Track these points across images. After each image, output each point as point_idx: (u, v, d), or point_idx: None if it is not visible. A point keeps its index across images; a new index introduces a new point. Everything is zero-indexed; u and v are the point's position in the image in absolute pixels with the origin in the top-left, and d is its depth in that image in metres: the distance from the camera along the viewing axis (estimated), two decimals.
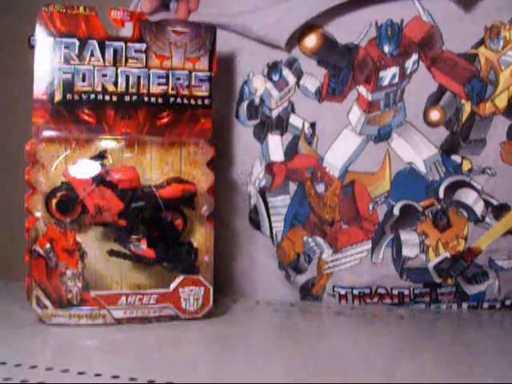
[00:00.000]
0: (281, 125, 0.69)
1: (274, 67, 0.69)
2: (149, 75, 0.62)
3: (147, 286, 0.61)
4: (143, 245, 0.60)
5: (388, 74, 0.66)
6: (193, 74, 0.63)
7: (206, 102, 0.63)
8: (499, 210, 0.66)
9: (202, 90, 0.63)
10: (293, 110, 0.69)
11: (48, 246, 0.58)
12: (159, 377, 0.45)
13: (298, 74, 0.68)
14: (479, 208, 0.66)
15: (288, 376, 0.48)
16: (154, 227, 0.60)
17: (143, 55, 0.61)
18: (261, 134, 0.71)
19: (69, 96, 0.60)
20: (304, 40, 0.68)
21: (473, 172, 0.65)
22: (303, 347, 0.55)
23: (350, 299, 0.69)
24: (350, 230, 0.68)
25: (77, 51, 0.60)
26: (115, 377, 0.45)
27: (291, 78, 0.69)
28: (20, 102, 0.66)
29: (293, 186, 0.70)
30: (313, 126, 0.68)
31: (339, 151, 0.67)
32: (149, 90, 0.62)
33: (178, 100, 0.62)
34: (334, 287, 0.69)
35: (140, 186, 0.60)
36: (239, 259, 0.74)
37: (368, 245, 0.68)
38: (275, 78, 0.69)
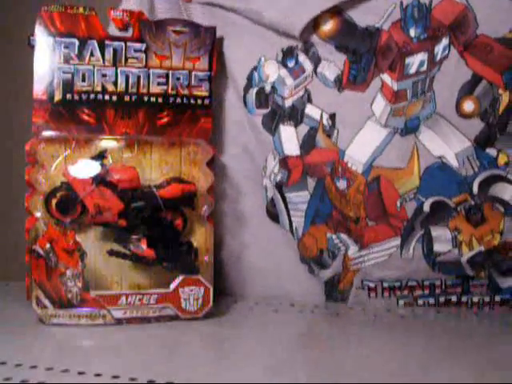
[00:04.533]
0: (295, 115, 0.65)
1: (289, 52, 0.65)
2: (149, 75, 0.62)
3: (147, 286, 0.61)
4: (143, 245, 0.60)
5: (415, 61, 0.62)
6: (193, 73, 0.63)
7: (206, 101, 0.63)
8: None
9: (202, 90, 0.63)
10: (309, 100, 0.65)
11: (48, 245, 0.58)
12: (159, 377, 0.45)
13: (316, 61, 0.64)
14: None
15: (288, 376, 0.48)
16: (154, 227, 0.60)
17: (143, 55, 0.61)
18: (271, 124, 0.66)
19: (69, 96, 0.60)
20: (320, 23, 0.63)
21: (510, 166, 0.62)
22: (303, 347, 0.55)
23: (380, 292, 0.66)
24: (377, 227, 0.65)
25: (76, 51, 0.60)
26: (115, 377, 0.45)
27: (308, 65, 0.65)
28: (20, 102, 0.65)
29: (311, 182, 0.66)
30: (332, 117, 0.64)
31: (362, 145, 0.64)
32: (149, 89, 0.62)
33: (178, 100, 0.62)
34: (362, 281, 0.66)
35: (140, 185, 0.60)
36: (257, 254, 0.71)
37: (397, 241, 0.65)
38: (290, 64, 0.65)
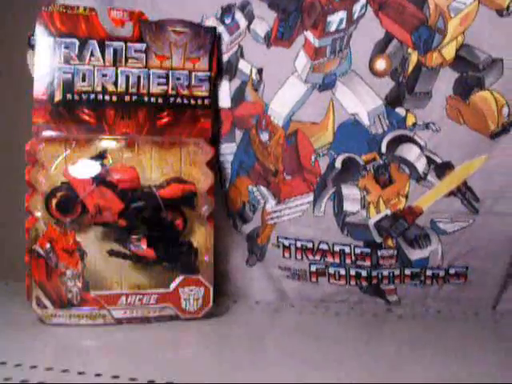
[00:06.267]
0: (230, 70, 0.68)
1: (227, 10, 0.68)
2: (149, 75, 0.62)
3: (147, 286, 0.61)
4: (143, 245, 0.60)
5: (335, 19, 0.64)
6: (193, 73, 0.63)
7: (206, 101, 0.63)
8: (442, 169, 0.63)
9: (202, 90, 0.63)
10: (242, 55, 0.67)
11: (48, 245, 0.58)
12: (159, 377, 0.45)
13: (250, 18, 0.67)
14: (421, 165, 0.63)
15: (288, 376, 0.48)
16: (154, 227, 0.60)
17: (143, 55, 0.62)
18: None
19: (69, 96, 0.60)
20: None
21: (416, 127, 0.63)
22: (303, 347, 0.55)
23: (293, 251, 0.68)
24: (293, 181, 0.67)
25: (77, 51, 0.60)
26: (115, 377, 0.45)
27: (243, 22, 0.67)
28: (20, 102, 0.65)
29: (239, 134, 0.68)
30: (260, 71, 0.67)
31: (284, 99, 0.66)
32: (149, 89, 0.62)
33: (178, 100, 0.62)
34: (278, 238, 0.68)
35: (140, 186, 0.60)
36: None
37: (310, 197, 0.66)
38: (227, 21, 0.67)
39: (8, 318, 0.60)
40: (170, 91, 0.62)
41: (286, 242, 0.68)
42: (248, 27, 0.67)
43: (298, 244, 0.68)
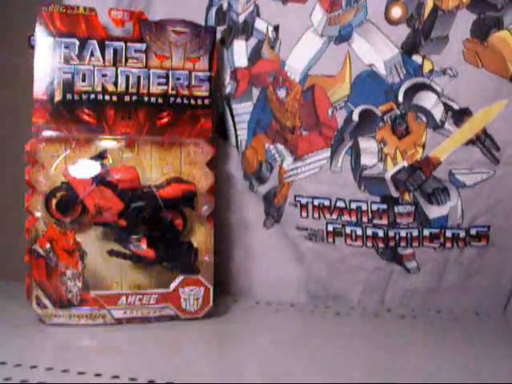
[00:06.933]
0: (246, 30, 0.68)
1: None
2: (149, 75, 0.62)
3: (147, 285, 0.61)
4: (143, 245, 0.60)
5: None
6: (193, 73, 0.63)
7: (206, 101, 0.63)
8: (460, 115, 0.61)
9: (202, 90, 0.63)
10: (258, 14, 0.67)
11: (48, 245, 0.58)
12: (159, 377, 0.45)
13: None
14: (439, 112, 0.62)
15: (288, 375, 0.48)
16: (154, 227, 0.60)
17: (143, 55, 0.62)
18: (227, 40, 0.69)
19: (69, 96, 0.60)
20: None
21: (433, 73, 0.61)
22: (303, 347, 0.55)
23: (311, 210, 0.67)
24: (310, 137, 0.66)
25: (77, 51, 0.60)
26: (115, 377, 0.45)
27: None
28: (20, 102, 0.65)
29: (256, 92, 0.68)
30: (276, 29, 0.66)
31: (300, 54, 0.65)
32: (149, 89, 0.62)
33: (178, 100, 0.62)
34: (295, 197, 0.68)
35: (140, 186, 0.60)
36: None
37: (327, 152, 0.65)
38: None
39: (8, 317, 0.60)
40: (169, 91, 0.62)
41: (304, 201, 0.67)
42: None
43: (316, 202, 0.66)
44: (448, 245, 0.64)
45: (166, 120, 0.62)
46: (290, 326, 0.63)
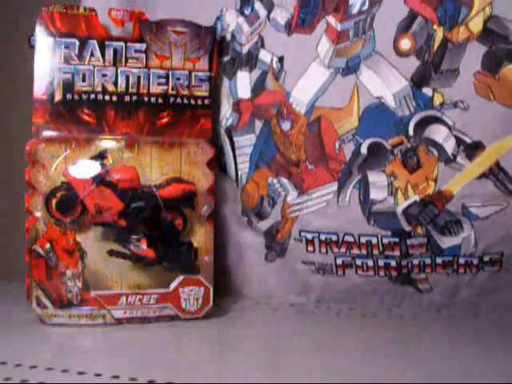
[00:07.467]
0: (250, 61, 0.67)
1: (246, 1, 0.67)
2: (149, 75, 0.62)
3: (147, 285, 0.61)
4: (143, 245, 0.60)
5: (357, 1, 0.62)
6: (193, 73, 0.63)
7: (206, 101, 0.63)
8: (472, 149, 0.61)
9: (202, 90, 0.63)
10: (262, 45, 0.66)
11: (48, 245, 0.58)
12: (159, 377, 0.45)
13: (269, 7, 0.66)
14: (450, 146, 0.61)
15: (288, 375, 0.48)
16: (154, 227, 0.60)
17: (143, 55, 0.62)
18: (230, 70, 0.68)
19: (69, 96, 0.60)
20: None
21: (444, 106, 0.61)
22: (303, 347, 0.55)
23: (317, 245, 0.66)
24: (316, 171, 0.65)
25: (77, 51, 0.60)
26: (115, 377, 0.45)
27: (262, 11, 0.66)
28: (20, 102, 0.65)
29: (259, 124, 0.67)
30: (281, 60, 0.65)
31: (306, 86, 0.64)
32: (149, 90, 0.62)
33: (178, 100, 0.62)
34: (300, 232, 0.66)
35: (140, 186, 0.60)
36: None
37: (334, 186, 0.64)
38: (247, 11, 0.67)
39: (8, 317, 0.60)
40: (169, 91, 0.62)
41: (309, 236, 0.66)
42: (268, 16, 0.66)
43: (322, 237, 0.65)
44: (461, 270, 0.64)
45: (166, 120, 0.62)
46: (290, 327, 0.63)
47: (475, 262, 0.63)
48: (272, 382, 0.46)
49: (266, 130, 0.67)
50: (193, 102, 0.63)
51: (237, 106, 0.68)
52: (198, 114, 0.63)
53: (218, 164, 0.69)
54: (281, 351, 0.54)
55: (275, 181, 0.67)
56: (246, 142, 0.68)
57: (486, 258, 0.63)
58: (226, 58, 0.68)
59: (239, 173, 0.69)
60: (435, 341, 0.57)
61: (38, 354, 0.51)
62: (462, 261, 0.63)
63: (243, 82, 0.67)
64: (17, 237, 0.62)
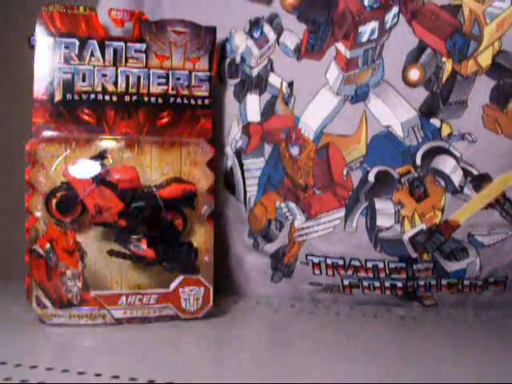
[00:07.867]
0: (260, 84, 0.67)
1: (255, 23, 0.67)
2: (149, 75, 0.62)
3: (147, 285, 0.61)
4: (143, 245, 0.60)
5: (367, 29, 0.62)
6: (193, 73, 0.63)
7: (206, 101, 0.63)
8: (479, 181, 0.61)
9: (202, 90, 0.63)
10: (272, 69, 0.66)
11: (48, 245, 0.58)
12: (159, 377, 0.45)
13: (279, 31, 0.66)
14: (457, 177, 0.62)
15: (288, 375, 0.48)
16: (154, 227, 0.60)
17: (143, 55, 0.62)
18: (240, 93, 0.68)
19: (69, 96, 0.60)
20: None
21: (452, 137, 0.61)
22: (303, 347, 0.55)
23: (324, 268, 0.66)
24: (324, 196, 0.65)
25: (77, 51, 0.60)
26: (115, 377, 0.45)
27: (272, 35, 0.66)
28: (20, 102, 0.65)
29: (268, 149, 0.67)
30: (290, 85, 0.66)
31: (315, 112, 0.65)
32: (149, 89, 0.62)
33: (178, 100, 0.62)
34: (306, 256, 0.67)
35: (140, 186, 0.60)
36: None
37: (342, 212, 0.65)
38: (256, 34, 0.67)
39: (8, 317, 0.60)
40: (169, 91, 0.62)
41: (316, 260, 0.67)
42: (277, 40, 0.66)
43: (329, 261, 0.66)
44: (466, 290, 0.65)
45: (166, 120, 0.62)
46: (290, 327, 0.63)
47: (479, 283, 0.64)
48: (272, 382, 0.46)
49: (275, 154, 0.67)
50: (193, 101, 0.63)
51: (246, 129, 0.68)
52: (198, 114, 0.63)
53: (226, 186, 0.70)
54: (281, 351, 0.54)
55: (283, 205, 0.67)
56: (255, 166, 0.68)
57: (491, 280, 0.64)
58: (236, 81, 0.69)
59: (248, 195, 0.69)
60: (435, 341, 0.57)
61: (38, 354, 0.51)
62: (466, 282, 0.65)
63: (252, 105, 0.68)
64: (17, 237, 0.62)
